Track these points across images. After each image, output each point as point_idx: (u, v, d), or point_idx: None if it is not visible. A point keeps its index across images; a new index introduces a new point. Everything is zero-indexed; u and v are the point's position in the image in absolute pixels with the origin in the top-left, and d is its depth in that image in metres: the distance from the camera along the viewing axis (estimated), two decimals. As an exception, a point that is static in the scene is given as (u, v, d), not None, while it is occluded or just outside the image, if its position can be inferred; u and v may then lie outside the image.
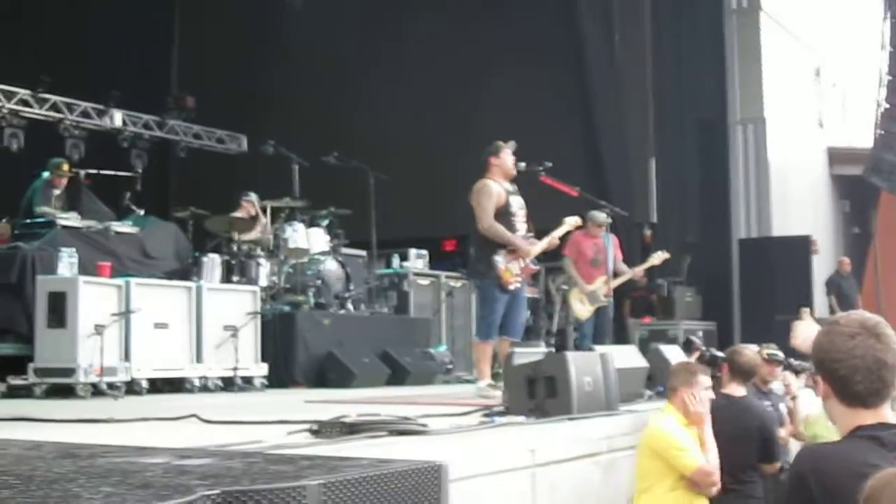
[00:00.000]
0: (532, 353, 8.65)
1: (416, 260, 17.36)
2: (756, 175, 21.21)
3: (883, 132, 21.23)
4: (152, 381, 12.13)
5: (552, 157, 12.20)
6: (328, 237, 15.69)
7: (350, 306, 15.50)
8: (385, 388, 13.86)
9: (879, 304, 21.76)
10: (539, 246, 11.30)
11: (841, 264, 21.76)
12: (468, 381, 14.13)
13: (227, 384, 12.80)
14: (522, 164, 11.39)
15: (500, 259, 10.85)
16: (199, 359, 12.65)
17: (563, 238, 12.77)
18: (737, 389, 7.92)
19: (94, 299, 11.45)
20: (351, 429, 6.27)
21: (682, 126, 21.39)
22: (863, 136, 25.19)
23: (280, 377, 13.65)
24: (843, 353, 3.33)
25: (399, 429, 6.44)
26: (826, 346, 3.39)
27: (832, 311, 19.61)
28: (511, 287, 10.94)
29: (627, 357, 9.93)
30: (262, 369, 13.29)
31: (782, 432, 8.76)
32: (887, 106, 20.92)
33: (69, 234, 13.00)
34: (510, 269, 10.90)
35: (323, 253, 15.45)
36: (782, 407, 9.38)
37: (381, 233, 16.68)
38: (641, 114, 21.23)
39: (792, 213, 21.78)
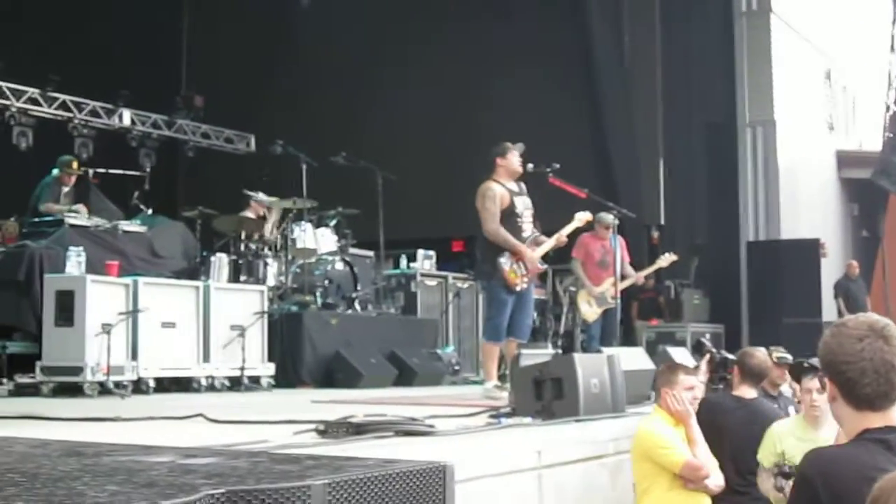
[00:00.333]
0: (539, 355, 8.66)
1: (424, 260, 17.34)
2: (765, 177, 21.18)
3: (892, 135, 21.18)
4: (159, 381, 12.13)
5: (561, 159, 12.20)
6: (336, 237, 15.69)
7: (357, 306, 15.49)
8: (392, 388, 13.87)
9: (888, 308, 21.69)
10: (547, 244, 11.27)
11: (850, 268, 21.72)
12: (475, 383, 14.13)
13: (234, 384, 12.81)
14: (531, 166, 11.38)
15: (504, 260, 10.84)
16: (206, 358, 12.66)
17: (571, 240, 12.78)
18: (747, 392, 7.90)
19: (101, 298, 11.45)
20: (358, 429, 6.28)
21: (691, 128, 21.39)
22: (872, 140, 25.15)
23: (287, 377, 13.65)
24: (851, 355, 3.32)
25: (406, 429, 6.44)
26: (834, 349, 3.38)
27: (840, 315, 19.56)
28: (517, 288, 10.94)
29: (634, 359, 9.93)
30: (270, 369, 13.30)
31: None
32: (896, 109, 20.90)
33: (77, 232, 13.01)
34: (515, 271, 10.89)
35: (331, 253, 15.45)
36: (791, 410, 9.37)
37: (389, 233, 16.68)
38: (650, 116, 21.22)
39: (800, 215, 21.74)
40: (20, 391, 11.42)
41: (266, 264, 14.54)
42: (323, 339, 14.17)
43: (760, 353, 8.17)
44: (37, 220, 13.52)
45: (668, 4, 21.47)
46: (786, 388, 9.23)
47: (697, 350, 10.71)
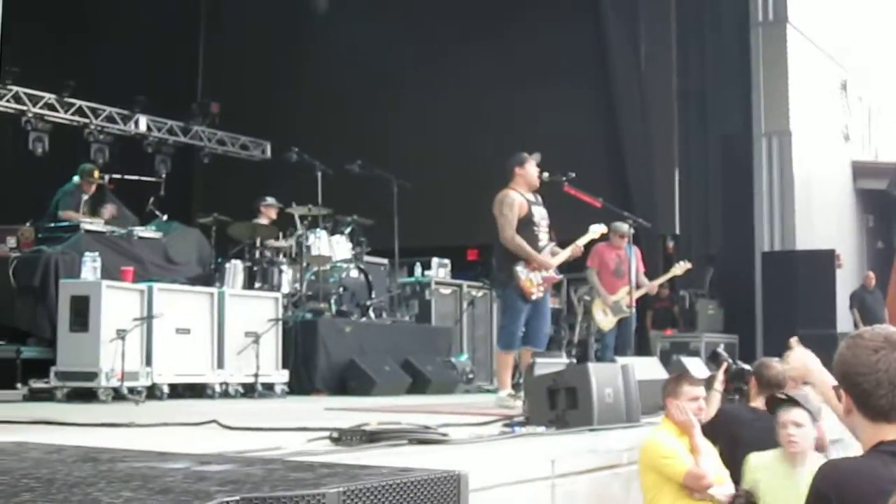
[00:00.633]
0: (553, 364, 8.63)
1: (439, 269, 17.34)
2: (780, 188, 21.15)
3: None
4: (173, 387, 12.14)
5: (577, 168, 12.19)
6: (351, 245, 15.71)
7: (372, 314, 15.49)
8: (406, 396, 13.86)
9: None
10: (563, 254, 11.28)
11: (866, 279, 21.68)
12: (489, 391, 14.12)
13: (248, 390, 12.82)
14: (546, 175, 11.38)
15: (521, 269, 10.84)
16: (220, 365, 12.68)
17: (587, 249, 12.77)
18: (764, 403, 7.86)
19: (116, 304, 11.46)
20: (371, 437, 6.27)
21: (707, 138, 21.38)
22: (888, 150, 25.10)
23: (301, 384, 13.66)
24: (866, 366, 3.31)
25: (419, 438, 6.43)
26: (849, 360, 3.36)
27: (856, 326, 19.52)
28: (532, 297, 10.93)
29: (649, 369, 9.90)
30: (284, 376, 13.31)
31: None
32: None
33: (92, 238, 13.05)
34: (531, 280, 10.89)
35: (345, 261, 15.46)
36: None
37: (405, 241, 16.69)
38: (666, 125, 21.22)
39: (816, 226, 21.70)
40: (35, 396, 11.42)
41: (281, 271, 14.57)
42: (337, 347, 14.18)
43: (777, 365, 8.12)
44: (52, 225, 13.56)
45: (684, 15, 21.47)
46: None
47: (713, 360, 10.67)
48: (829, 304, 20.06)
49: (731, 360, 9.33)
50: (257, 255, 14.56)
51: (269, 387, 13.09)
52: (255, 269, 14.32)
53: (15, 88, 18.05)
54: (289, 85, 23.56)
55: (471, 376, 15.50)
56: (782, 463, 6.55)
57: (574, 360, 10.66)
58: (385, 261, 16.73)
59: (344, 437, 6.28)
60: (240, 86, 23.42)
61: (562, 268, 11.83)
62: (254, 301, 13.42)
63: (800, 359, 5.38)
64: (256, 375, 12.77)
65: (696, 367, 10.62)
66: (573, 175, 11.73)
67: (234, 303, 12.99)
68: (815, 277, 20.24)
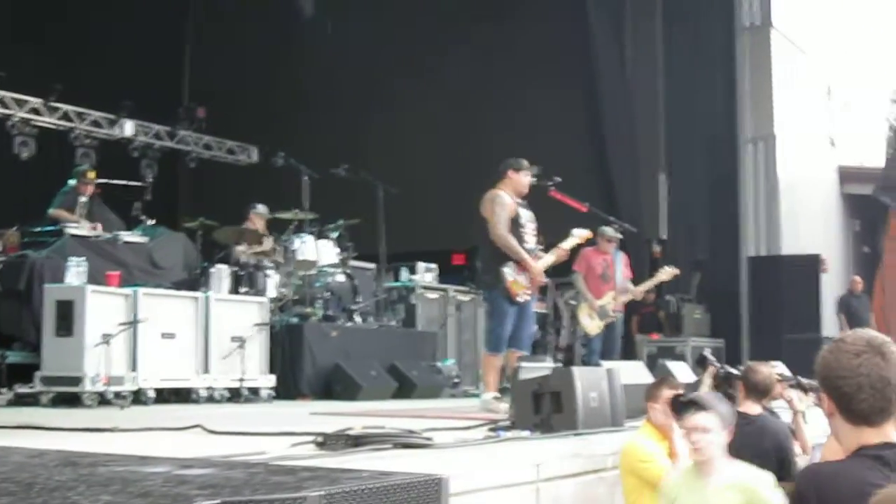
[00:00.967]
0: (539, 368, 8.64)
1: (425, 273, 17.35)
2: (766, 193, 21.18)
3: (894, 151, 21.20)
4: (159, 391, 12.13)
5: (563, 173, 12.21)
6: (337, 249, 15.70)
7: (358, 319, 15.50)
8: (392, 401, 13.87)
9: (888, 324, 21.70)
10: (547, 259, 11.28)
11: (853, 283, 21.72)
12: (475, 395, 14.11)
13: (234, 395, 12.82)
14: (532, 179, 11.39)
15: (509, 271, 10.84)
16: (206, 369, 12.68)
17: (573, 253, 12.78)
18: (752, 408, 7.86)
19: (101, 308, 11.46)
20: (356, 441, 6.27)
21: (693, 143, 21.38)
22: (874, 155, 25.16)
23: (287, 389, 13.66)
24: (847, 370, 3.32)
25: (404, 442, 6.43)
26: (831, 364, 3.38)
27: (842, 330, 19.56)
28: (519, 300, 10.93)
29: (634, 373, 9.91)
30: (270, 381, 13.31)
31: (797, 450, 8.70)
32: (898, 125, 20.93)
33: (78, 242, 13.03)
34: (519, 282, 10.89)
35: (332, 265, 15.46)
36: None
37: (392, 246, 16.71)
38: (652, 130, 21.23)
39: (802, 231, 21.73)
40: (19, 401, 11.41)
41: (267, 276, 14.55)
42: (323, 351, 14.18)
43: (765, 369, 8.14)
44: (38, 229, 13.52)
45: (669, 20, 21.50)
46: (780, 402, 9.19)
47: (700, 364, 10.69)
48: (815, 308, 20.09)
49: (718, 365, 9.35)
50: (243, 259, 14.54)
51: (254, 391, 13.09)
52: (241, 273, 14.30)
53: (0, 93, 17.99)
54: (275, 89, 23.56)
55: (457, 381, 15.52)
56: (692, 475, 6.13)
57: (559, 365, 10.68)
58: (371, 265, 16.72)
59: (328, 442, 6.28)
60: (226, 90, 23.39)
61: (548, 272, 11.83)
62: (240, 305, 13.42)
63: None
64: (242, 380, 12.77)
65: (682, 371, 10.66)
66: (559, 179, 11.76)
67: (219, 307, 12.98)
68: (801, 282, 20.27)
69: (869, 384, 3.30)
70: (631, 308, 16.47)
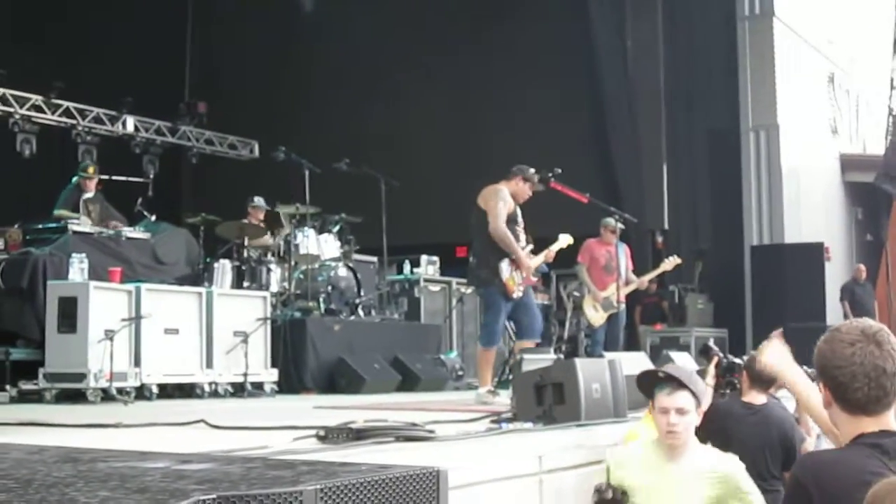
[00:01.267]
0: (541, 360, 8.65)
1: (428, 266, 17.36)
2: (768, 182, 21.18)
3: (894, 138, 21.17)
4: (162, 387, 12.13)
5: (565, 164, 12.22)
6: (339, 243, 15.71)
7: (361, 312, 15.50)
8: (395, 394, 13.87)
9: (892, 312, 21.69)
10: (537, 260, 11.36)
11: (857, 272, 21.71)
12: (478, 388, 14.14)
13: (238, 390, 12.82)
14: (532, 171, 11.41)
15: (505, 267, 10.86)
16: (209, 364, 12.67)
17: (577, 245, 12.80)
18: (756, 398, 7.82)
19: (104, 304, 11.44)
20: (358, 434, 6.26)
21: (695, 133, 21.41)
22: (876, 143, 25.14)
23: (290, 383, 13.66)
24: (842, 359, 3.33)
25: (406, 435, 6.43)
26: (826, 354, 3.39)
27: (846, 318, 19.54)
28: (514, 295, 10.97)
29: (636, 364, 9.87)
30: (273, 375, 13.31)
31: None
32: (899, 113, 20.90)
33: (80, 239, 13.01)
34: (514, 278, 10.92)
35: (334, 259, 15.47)
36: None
37: (395, 239, 16.71)
38: (654, 121, 21.24)
39: (804, 219, 21.73)
40: (23, 398, 11.41)
41: (269, 270, 14.57)
42: (326, 345, 14.18)
43: (769, 359, 8.09)
44: (40, 226, 13.52)
45: (670, 9, 21.50)
46: (784, 390, 9.17)
47: (704, 354, 10.67)
48: (819, 296, 20.11)
49: (721, 355, 9.34)
50: (245, 254, 14.56)
51: (258, 386, 13.09)
52: (244, 268, 14.32)
53: (2, 90, 18.00)
54: (277, 84, 23.56)
55: (460, 373, 15.51)
56: (656, 454, 5.70)
57: (561, 356, 10.69)
58: (374, 259, 16.73)
59: (330, 436, 6.28)
60: (227, 85, 23.43)
61: (552, 263, 11.87)
62: (242, 300, 13.42)
63: (769, 362, 5.33)
64: (245, 375, 12.76)
65: (685, 361, 10.65)
66: (559, 171, 11.78)
67: (222, 302, 12.98)
68: (804, 271, 20.28)
69: (863, 373, 3.31)
70: (634, 298, 16.49)
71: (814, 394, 4.71)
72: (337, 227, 15.88)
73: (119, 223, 14.28)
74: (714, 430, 7.63)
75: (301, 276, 15.04)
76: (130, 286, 11.92)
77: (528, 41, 21.41)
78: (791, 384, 4.98)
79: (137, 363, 11.69)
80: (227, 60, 23.97)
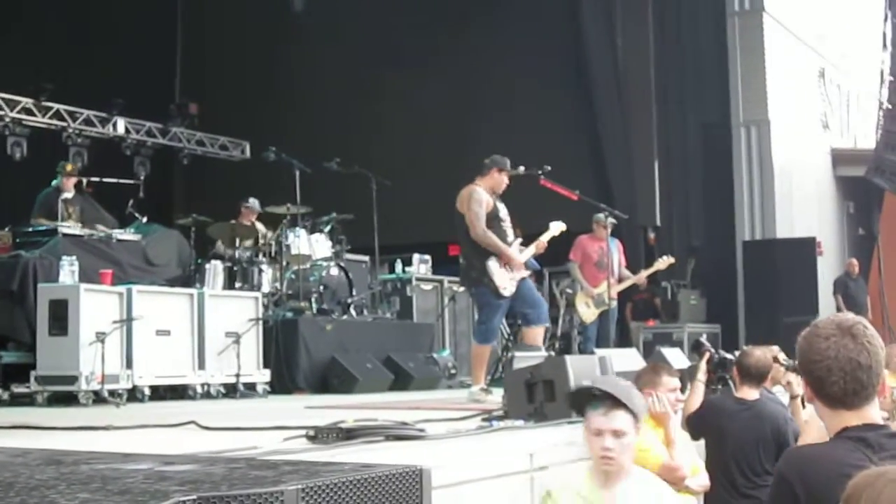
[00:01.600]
0: (532, 357, 8.65)
1: (420, 265, 17.35)
2: (760, 177, 21.20)
3: (885, 132, 21.19)
4: (155, 389, 12.14)
5: (556, 161, 12.22)
6: (331, 243, 15.70)
7: (353, 312, 15.50)
8: (388, 393, 13.87)
9: (884, 305, 21.74)
10: (528, 252, 11.34)
11: (850, 266, 21.74)
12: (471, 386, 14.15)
13: (230, 391, 12.82)
14: (522, 168, 11.42)
15: (493, 265, 10.85)
16: (201, 365, 12.67)
17: (569, 242, 12.81)
18: (749, 393, 7.85)
19: (95, 307, 11.44)
20: (347, 434, 6.26)
21: (686, 128, 21.41)
22: (867, 137, 25.17)
23: (283, 383, 13.66)
24: (818, 354, 3.36)
25: (396, 434, 6.43)
26: (804, 349, 3.42)
27: (839, 312, 19.53)
28: (506, 293, 10.95)
29: (627, 360, 9.89)
30: (265, 376, 13.31)
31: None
32: (889, 106, 20.89)
33: (70, 242, 13.00)
34: (503, 275, 10.91)
35: (325, 259, 15.46)
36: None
37: (387, 238, 16.70)
38: (645, 117, 21.22)
39: (796, 214, 21.75)
40: (15, 401, 11.41)
41: (261, 271, 14.57)
42: (318, 345, 14.17)
43: (758, 353, 8.12)
44: (30, 229, 13.51)
45: (660, 6, 21.49)
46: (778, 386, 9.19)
47: (696, 350, 10.69)
48: (811, 291, 20.11)
49: (713, 350, 9.35)
50: (237, 255, 14.55)
51: (250, 387, 13.09)
52: (235, 269, 14.32)
53: (-8, 94, 18.00)
54: (267, 84, 23.54)
55: (453, 372, 15.51)
56: (590, 482, 5.01)
57: (553, 353, 10.70)
58: (366, 258, 16.73)
59: (320, 436, 6.28)
60: (218, 86, 23.41)
61: (545, 261, 11.87)
62: (234, 301, 13.42)
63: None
64: (238, 375, 12.76)
65: (677, 357, 10.67)
66: (549, 168, 11.78)
67: (213, 303, 12.98)
68: (797, 265, 20.29)
69: (838, 367, 3.33)
70: (624, 295, 16.50)
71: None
72: (328, 227, 15.87)
73: (104, 224, 14.25)
74: (708, 426, 7.66)
75: (293, 276, 15.05)
76: (121, 288, 11.92)
77: (519, 39, 21.39)
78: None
79: (129, 365, 11.69)
80: (217, 61, 23.96)
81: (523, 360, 8.56)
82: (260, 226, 15.76)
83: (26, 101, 18.58)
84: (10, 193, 17.31)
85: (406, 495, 2.92)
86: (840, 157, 25.01)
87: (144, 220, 15.27)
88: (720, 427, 7.58)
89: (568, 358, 8.17)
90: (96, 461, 3.37)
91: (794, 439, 7.72)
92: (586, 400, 4.91)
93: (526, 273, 11.46)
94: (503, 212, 11.19)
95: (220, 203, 16.79)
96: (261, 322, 13.40)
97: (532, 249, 11.38)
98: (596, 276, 14.69)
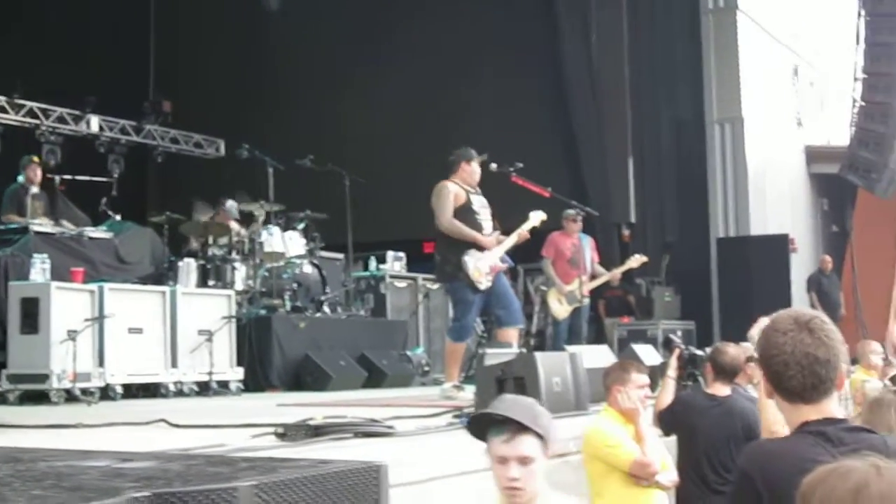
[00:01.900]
0: (503, 354, 8.67)
1: (394, 262, 17.33)
2: (734, 174, 21.23)
3: (858, 129, 21.24)
4: (127, 387, 12.10)
5: (530, 158, 12.24)
6: (304, 241, 15.68)
7: (326, 309, 15.48)
8: (362, 390, 13.87)
9: (857, 302, 21.81)
10: (509, 241, 11.31)
11: (823, 262, 21.80)
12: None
13: (203, 389, 12.80)
14: (494, 165, 11.43)
15: (469, 259, 10.85)
16: (174, 364, 12.65)
17: (541, 239, 12.81)
18: (721, 389, 7.85)
19: (67, 305, 11.41)
20: (316, 431, 6.27)
21: (660, 126, 21.43)
22: (840, 134, 25.22)
23: (256, 381, 13.63)
24: (775, 348, 3.37)
25: (364, 431, 6.45)
26: (763, 343, 3.44)
27: (813, 309, 19.59)
28: (482, 287, 10.95)
29: (598, 357, 9.94)
30: (238, 373, 13.29)
31: None
32: (863, 103, 20.92)
33: (42, 239, 12.95)
34: (479, 269, 10.91)
35: (299, 256, 15.44)
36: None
37: (362, 236, 16.69)
38: (619, 114, 21.23)
39: (770, 211, 21.80)
40: (-15, 399, 11.37)
41: (234, 269, 14.53)
42: (292, 343, 14.16)
43: (732, 350, 8.12)
44: (1, 227, 13.46)
45: (635, 3, 21.51)
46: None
47: (666, 347, 10.74)
48: (785, 288, 20.14)
49: (683, 346, 9.37)
50: (210, 252, 14.52)
51: (223, 385, 13.08)
52: (209, 266, 14.28)
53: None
54: (241, 82, 23.51)
55: (427, 369, 15.52)
56: None
57: (524, 350, 10.70)
58: (340, 255, 16.71)
59: (289, 433, 6.29)
60: (192, 83, 23.36)
61: (518, 258, 11.86)
62: (207, 299, 13.40)
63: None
64: (211, 373, 12.74)
65: (649, 354, 10.71)
66: (521, 165, 11.79)
67: (186, 301, 12.96)
68: (770, 262, 20.33)
69: (795, 361, 3.34)
70: (596, 292, 16.51)
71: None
72: (302, 225, 15.85)
73: (75, 222, 14.20)
74: (679, 422, 7.67)
75: (266, 273, 15.01)
76: (93, 286, 11.90)
77: (493, 36, 21.41)
78: None
79: (101, 363, 11.67)
80: (191, 59, 23.91)
81: (494, 356, 8.57)
82: (234, 224, 15.71)
83: (-1, 99, 18.52)
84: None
85: (363, 492, 2.91)
86: (814, 155, 25.07)
87: (118, 218, 15.22)
88: (692, 423, 7.58)
89: (538, 355, 8.21)
90: (54, 459, 3.35)
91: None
92: (487, 426, 4.29)
93: (502, 267, 11.45)
94: (477, 203, 11.20)
95: (194, 201, 16.73)
96: (234, 320, 13.38)
97: (513, 239, 11.36)
98: (568, 273, 14.70)
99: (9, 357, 11.37)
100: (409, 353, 15.66)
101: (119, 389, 11.88)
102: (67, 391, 11.16)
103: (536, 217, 11.83)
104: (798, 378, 3.34)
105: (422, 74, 21.69)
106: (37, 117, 19.22)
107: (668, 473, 6.70)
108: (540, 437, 4.17)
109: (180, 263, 13.91)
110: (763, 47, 22.78)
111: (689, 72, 21.45)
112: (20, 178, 14.55)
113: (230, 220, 15.80)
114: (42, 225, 13.41)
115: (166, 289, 12.94)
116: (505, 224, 11.70)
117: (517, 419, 4.16)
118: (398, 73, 21.72)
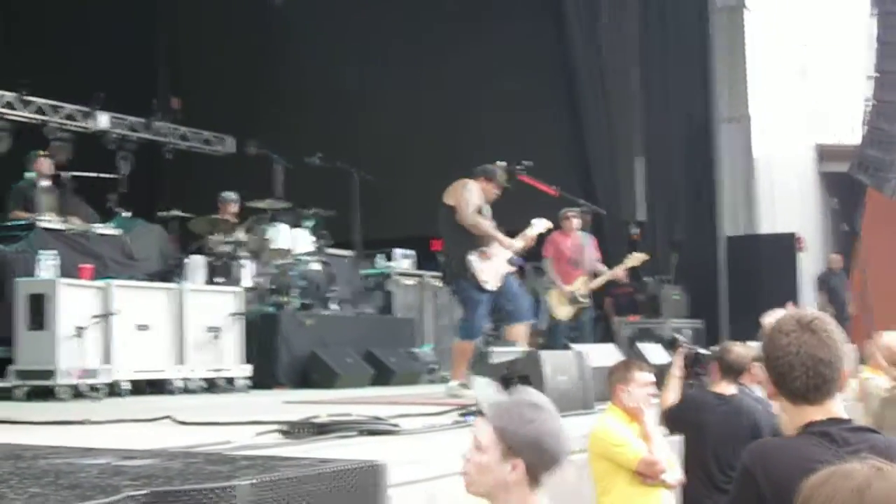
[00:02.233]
0: (509, 353, 8.66)
1: (402, 260, 17.33)
2: (743, 173, 21.20)
3: (869, 128, 21.20)
4: (134, 383, 12.09)
5: (538, 157, 12.22)
6: (313, 238, 15.68)
7: (334, 306, 15.48)
8: (369, 388, 13.86)
9: (865, 301, 21.77)
10: (516, 244, 11.32)
11: (832, 261, 21.78)
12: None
13: (210, 386, 12.80)
14: (502, 163, 11.41)
15: (473, 258, 10.85)
16: (181, 360, 12.63)
17: (542, 240, 12.80)
18: (727, 388, 7.85)
19: (74, 301, 11.41)
20: (320, 429, 6.27)
21: (669, 124, 21.38)
22: (851, 133, 25.17)
23: (263, 378, 13.62)
24: (779, 349, 3.37)
25: (369, 429, 6.44)
26: (767, 345, 3.45)
27: (822, 308, 19.58)
28: (488, 286, 10.95)
29: (605, 355, 9.93)
30: (246, 370, 13.28)
31: None
32: (874, 102, 20.89)
33: (50, 236, 12.94)
34: (484, 269, 10.91)
35: (307, 254, 15.43)
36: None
37: (369, 233, 16.68)
38: (627, 113, 21.23)
39: (779, 210, 21.75)
40: (-7, 395, 11.38)
41: (242, 265, 14.52)
42: (299, 340, 14.17)
43: (739, 349, 8.12)
44: (9, 223, 13.45)
45: (644, 2, 21.48)
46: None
47: (671, 346, 10.70)
48: (793, 287, 20.09)
49: (688, 345, 9.36)
50: (218, 249, 14.52)
51: (231, 381, 13.07)
52: (217, 263, 14.27)
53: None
54: (251, 78, 23.50)
55: (434, 367, 15.50)
56: None
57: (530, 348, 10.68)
58: (348, 253, 16.70)
59: (294, 431, 6.28)
60: (201, 81, 23.35)
61: (525, 256, 11.86)
62: (214, 296, 13.39)
63: None
64: (218, 370, 12.76)
65: (655, 353, 10.68)
66: (529, 163, 11.78)
67: (194, 298, 12.95)
68: (779, 261, 20.29)
69: (799, 362, 3.34)
70: (605, 290, 16.48)
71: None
72: (311, 222, 15.84)
73: (82, 217, 14.18)
74: (687, 421, 7.65)
75: (274, 271, 15.01)
76: (101, 282, 11.90)
77: (502, 35, 21.39)
78: None
79: (108, 360, 11.66)
80: (200, 56, 23.90)
81: (500, 355, 8.56)
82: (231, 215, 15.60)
83: (8, 96, 18.51)
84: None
85: (363, 491, 2.91)
86: (825, 153, 25.03)
87: (127, 214, 15.21)
88: (700, 421, 7.58)
89: (543, 353, 8.19)
90: (55, 456, 3.36)
91: (774, 436, 7.72)
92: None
93: (511, 269, 11.46)
94: (487, 214, 11.22)
95: (204, 198, 16.72)
96: (242, 317, 13.37)
97: (520, 242, 11.38)
98: (570, 274, 14.69)
99: (16, 353, 11.37)
100: (416, 350, 15.67)
101: (126, 386, 11.87)
102: (74, 387, 11.17)
103: (541, 224, 11.85)
104: (802, 379, 3.34)
105: (432, 72, 21.68)
106: (45, 114, 19.22)
107: (674, 472, 6.70)
108: (499, 432, 3.82)
109: (188, 260, 13.91)
110: (772, 46, 22.74)
111: (698, 71, 21.39)
112: (27, 175, 14.53)
113: (232, 210, 15.73)
114: (49, 221, 13.40)
115: (174, 286, 12.95)
116: (511, 224, 11.69)
117: (483, 407, 4.00)
118: (407, 70, 21.72)
